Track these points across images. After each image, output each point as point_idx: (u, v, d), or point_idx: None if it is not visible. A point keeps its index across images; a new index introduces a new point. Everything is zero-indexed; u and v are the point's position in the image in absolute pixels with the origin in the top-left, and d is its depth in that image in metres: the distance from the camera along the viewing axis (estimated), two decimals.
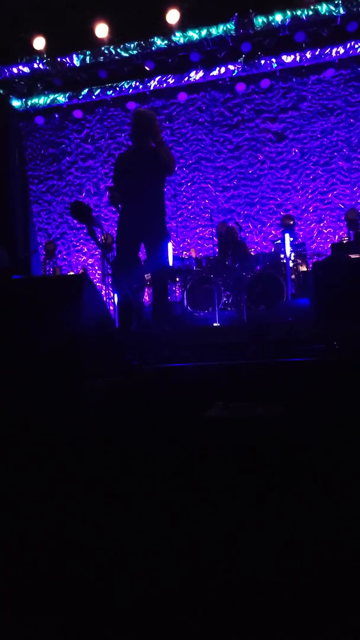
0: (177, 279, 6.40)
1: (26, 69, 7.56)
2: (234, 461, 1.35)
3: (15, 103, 8.08)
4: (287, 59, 7.13)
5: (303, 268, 6.40)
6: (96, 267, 8.29)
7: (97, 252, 8.38)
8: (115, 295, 5.37)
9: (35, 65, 7.51)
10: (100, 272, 7.84)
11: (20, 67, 7.56)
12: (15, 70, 7.60)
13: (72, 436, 1.72)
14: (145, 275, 5.67)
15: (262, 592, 0.75)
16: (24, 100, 8.04)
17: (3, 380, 2.25)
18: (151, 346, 2.89)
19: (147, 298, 6.33)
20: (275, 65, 7.23)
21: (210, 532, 0.95)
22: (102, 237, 3.83)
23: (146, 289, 6.34)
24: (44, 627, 0.70)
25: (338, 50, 6.96)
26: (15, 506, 1.14)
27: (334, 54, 7.00)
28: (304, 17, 6.69)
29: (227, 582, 0.78)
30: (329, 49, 6.97)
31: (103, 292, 6.94)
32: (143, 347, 2.82)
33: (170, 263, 6.31)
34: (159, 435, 1.66)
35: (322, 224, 7.62)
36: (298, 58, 7.10)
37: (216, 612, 0.71)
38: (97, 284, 6.87)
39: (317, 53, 7.02)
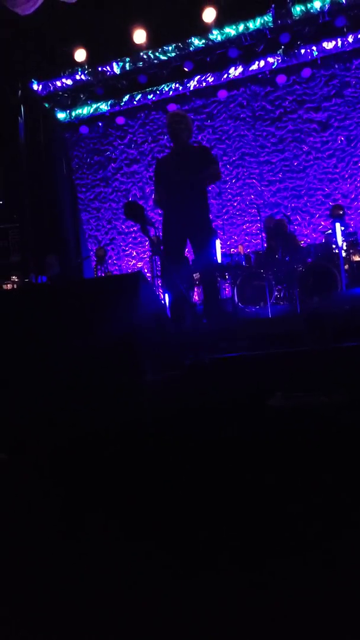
0: (227, 275, 6.37)
1: (69, 81, 7.80)
2: (299, 451, 1.31)
3: (60, 115, 8.34)
4: (328, 45, 6.96)
5: (356, 257, 6.20)
6: (146, 270, 8.39)
7: (146, 256, 8.48)
8: (166, 295, 5.41)
9: (78, 77, 7.73)
10: (150, 275, 7.93)
11: (64, 80, 7.81)
12: (59, 83, 7.86)
13: (131, 430, 1.74)
14: (194, 275, 5.68)
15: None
16: (68, 111, 8.28)
17: (65, 378, 2.32)
18: (207, 340, 2.89)
19: (196, 297, 6.33)
20: (316, 53, 7.07)
21: (273, 524, 0.93)
22: (155, 236, 3.87)
23: (195, 289, 6.35)
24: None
25: None
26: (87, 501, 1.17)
27: None
28: (344, 1, 6.51)
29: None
30: None
31: None
32: (199, 341, 2.83)
33: (219, 261, 6.29)
34: (221, 428, 1.65)
35: None
36: (340, 43, 6.91)
37: None
38: None
39: (359, 36, 6.81)
